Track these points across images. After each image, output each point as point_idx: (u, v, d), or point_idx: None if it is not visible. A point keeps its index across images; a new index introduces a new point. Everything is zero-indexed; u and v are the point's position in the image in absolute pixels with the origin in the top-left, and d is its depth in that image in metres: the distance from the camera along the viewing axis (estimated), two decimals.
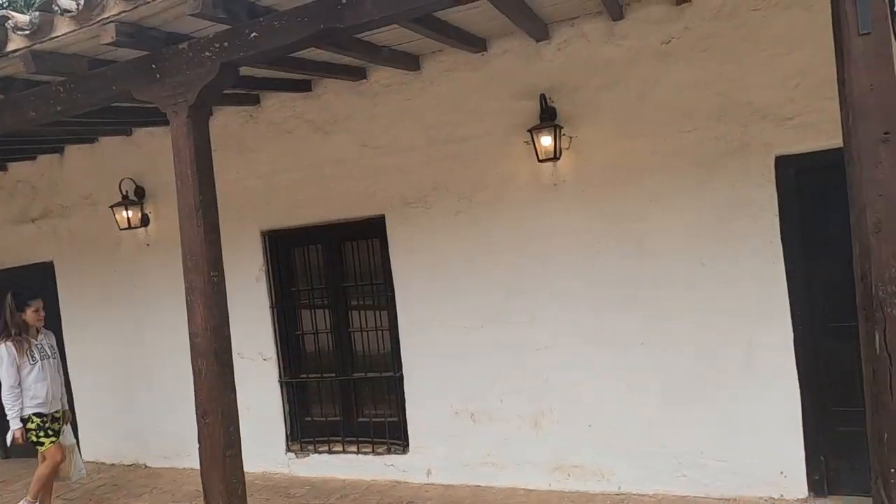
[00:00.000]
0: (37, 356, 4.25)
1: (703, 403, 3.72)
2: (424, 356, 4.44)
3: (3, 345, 4.14)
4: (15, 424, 4.10)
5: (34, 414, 4.16)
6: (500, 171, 4.12)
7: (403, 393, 4.53)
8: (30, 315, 4.26)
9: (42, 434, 4.18)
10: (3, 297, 4.24)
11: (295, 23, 2.68)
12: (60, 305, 5.82)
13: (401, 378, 4.54)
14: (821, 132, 3.37)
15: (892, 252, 1.90)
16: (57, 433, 4.28)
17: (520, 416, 4.18)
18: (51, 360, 4.35)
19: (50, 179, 5.79)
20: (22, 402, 4.12)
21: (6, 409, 4.14)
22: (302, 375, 4.98)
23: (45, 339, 4.41)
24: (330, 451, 4.81)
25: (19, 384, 4.13)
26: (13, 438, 4.10)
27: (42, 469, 4.22)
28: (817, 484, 3.54)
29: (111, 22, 2.67)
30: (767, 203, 3.54)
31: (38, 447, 4.21)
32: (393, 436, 4.64)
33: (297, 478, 4.85)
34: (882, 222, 1.91)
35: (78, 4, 2.65)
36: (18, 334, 4.19)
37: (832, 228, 3.41)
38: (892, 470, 1.92)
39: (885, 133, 1.90)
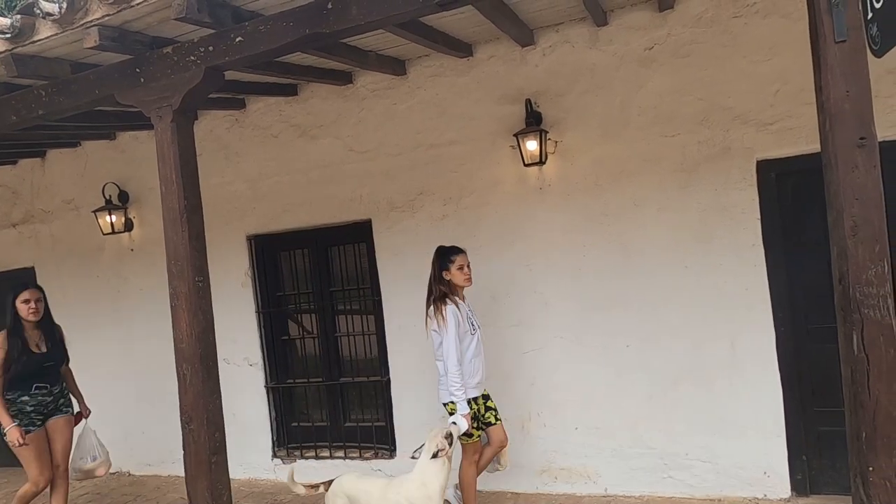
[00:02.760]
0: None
1: (688, 405, 3.75)
2: (412, 360, 4.43)
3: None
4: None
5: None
6: (486, 175, 4.14)
7: (391, 397, 4.53)
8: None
9: None
10: None
11: (280, 27, 2.68)
12: None
13: (388, 382, 4.53)
14: (800, 137, 3.44)
15: (869, 254, 1.94)
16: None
17: (507, 419, 4.17)
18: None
19: (32, 184, 5.72)
20: None
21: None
22: (288, 381, 4.95)
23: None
24: (317, 457, 4.78)
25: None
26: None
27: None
28: (800, 484, 3.59)
29: (94, 26, 2.65)
30: (749, 206, 3.59)
31: None
32: (380, 441, 4.63)
33: (283, 484, 4.81)
34: (858, 225, 1.94)
35: (60, 8, 2.63)
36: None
37: (812, 231, 3.47)
38: (871, 468, 1.96)
39: (861, 138, 1.94)
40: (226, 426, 3.04)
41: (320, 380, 4.83)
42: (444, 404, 3.41)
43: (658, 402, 3.82)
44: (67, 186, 5.54)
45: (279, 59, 3.43)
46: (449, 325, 3.31)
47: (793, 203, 3.57)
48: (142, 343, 5.25)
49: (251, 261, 4.91)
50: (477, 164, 4.16)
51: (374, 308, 4.59)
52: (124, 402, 5.39)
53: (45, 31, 2.72)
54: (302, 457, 4.82)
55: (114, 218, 5.14)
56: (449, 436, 3.14)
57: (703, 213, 3.68)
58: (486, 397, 3.55)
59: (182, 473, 3.00)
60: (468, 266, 3.47)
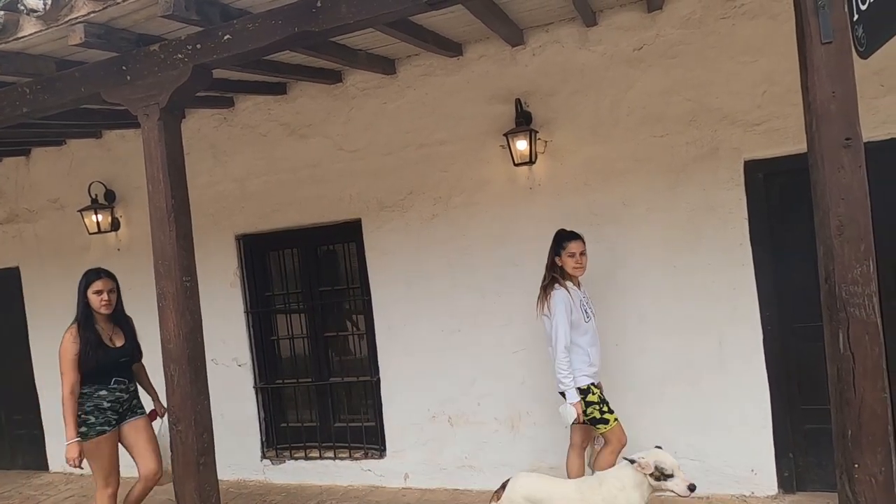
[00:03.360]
0: None
1: (676, 404, 3.78)
2: (401, 360, 4.43)
3: None
4: None
5: None
6: (476, 174, 4.14)
7: (380, 397, 4.51)
8: None
9: None
10: None
11: (269, 25, 2.67)
12: (27, 312, 5.67)
13: (378, 382, 4.52)
14: (787, 137, 3.47)
15: (855, 254, 1.96)
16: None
17: (497, 418, 4.20)
18: None
19: (16, 182, 5.64)
20: None
21: None
22: (277, 381, 4.93)
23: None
24: (306, 457, 4.76)
25: None
26: None
27: None
28: (786, 481, 3.62)
29: (80, 22, 2.62)
30: (737, 206, 3.62)
31: None
32: (370, 440, 4.62)
33: (273, 485, 4.79)
34: (844, 225, 1.96)
35: (45, 4, 2.59)
36: None
37: (799, 231, 3.50)
38: (856, 465, 1.98)
39: (847, 139, 1.96)
40: (214, 427, 3.02)
41: (310, 380, 4.81)
42: (561, 393, 3.25)
43: (646, 400, 3.83)
44: (53, 185, 5.47)
45: (268, 58, 3.41)
46: (556, 311, 3.20)
47: (780, 203, 3.61)
48: None
49: (240, 260, 4.88)
50: (467, 163, 4.16)
51: (363, 308, 4.58)
52: None
53: (29, 27, 2.69)
54: (292, 457, 4.80)
55: (100, 217, 5.08)
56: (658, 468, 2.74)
57: (692, 213, 3.70)
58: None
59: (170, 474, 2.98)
60: (581, 254, 3.34)
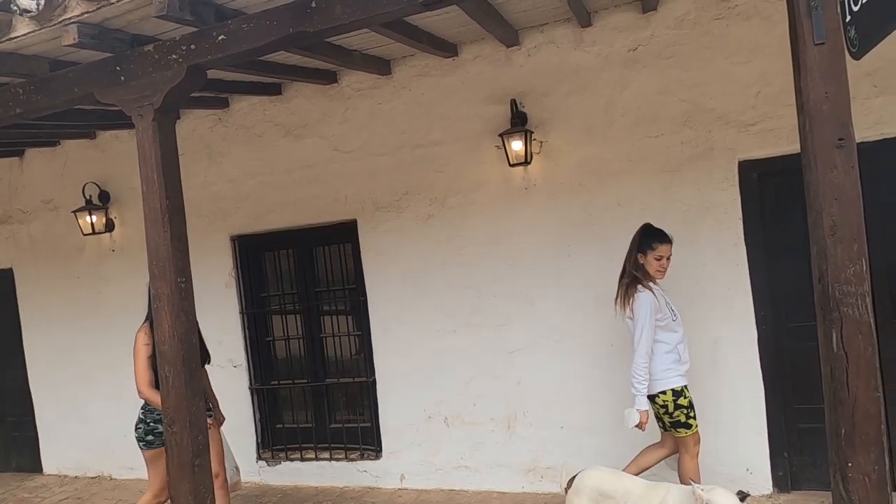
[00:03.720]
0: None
1: None
2: (397, 361, 4.42)
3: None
4: None
5: None
6: (471, 175, 4.15)
7: (376, 398, 4.51)
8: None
9: None
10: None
11: (264, 26, 2.66)
12: (21, 314, 5.64)
13: (373, 383, 4.52)
14: (781, 138, 3.48)
15: (848, 254, 1.97)
16: None
17: (493, 419, 4.20)
18: None
19: (9, 183, 5.61)
20: None
21: None
22: (273, 382, 4.92)
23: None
24: (302, 459, 4.75)
25: None
26: None
27: None
28: (781, 480, 3.64)
29: (73, 23, 2.60)
30: (731, 206, 3.63)
31: None
32: (366, 441, 4.61)
33: (268, 486, 4.78)
34: (837, 225, 1.97)
35: (38, 4, 2.58)
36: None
37: (793, 230, 3.52)
38: (850, 464, 1.99)
39: (840, 139, 1.96)
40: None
41: (305, 381, 4.80)
42: (651, 398, 3.09)
43: None
44: (46, 186, 5.44)
45: (263, 58, 3.39)
46: (640, 314, 3.01)
47: (774, 203, 3.62)
48: (123, 345, 5.16)
49: (235, 261, 4.86)
50: (462, 164, 4.16)
51: (359, 308, 4.57)
52: (106, 405, 5.31)
53: (22, 27, 2.67)
54: (287, 458, 4.79)
55: (94, 218, 5.06)
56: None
57: (687, 213, 3.71)
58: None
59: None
60: (668, 259, 3.15)
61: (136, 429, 3.44)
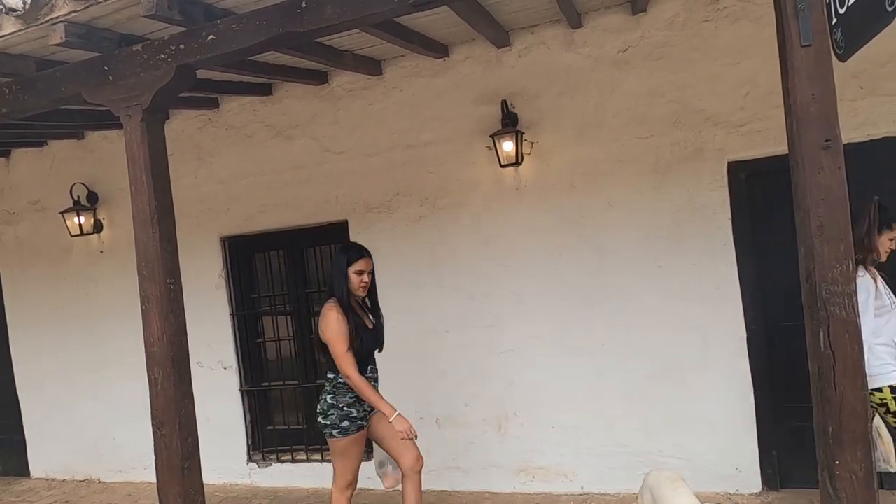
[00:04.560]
0: None
1: (662, 403, 3.80)
2: (389, 361, 4.40)
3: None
4: None
5: None
6: (462, 176, 4.15)
7: None
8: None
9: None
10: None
11: (253, 26, 2.65)
12: (7, 315, 5.58)
13: None
14: (769, 139, 3.51)
15: (835, 253, 1.98)
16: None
17: (484, 419, 4.20)
18: None
19: None
20: None
21: None
22: (263, 384, 4.89)
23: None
24: (293, 461, 4.73)
25: None
26: None
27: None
28: (770, 478, 3.67)
29: (60, 22, 2.58)
30: (720, 206, 3.66)
31: None
32: None
33: (259, 488, 4.76)
34: (824, 225, 1.99)
35: (24, 3, 2.55)
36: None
37: (781, 231, 3.53)
38: (837, 462, 2.00)
39: (826, 140, 1.98)
40: (199, 431, 2.98)
41: (296, 382, 4.78)
42: (874, 391, 2.80)
43: (632, 400, 3.86)
44: (33, 187, 5.39)
45: (253, 58, 3.39)
46: (858, 298, 2.73)
47: (762, 203, 3.65)
48: (112, 347, 5.13)
49: (225, 262, 4.84)
50: (453, 164, 4.16)
51: None
52: (94, 407, 5.27)
53: (8, 26, 2.65)
54: (278, 461, 4.77)
55: (82, 219, 5.02)
56: None
57: (676, 214, 3.73)
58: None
59: (154, 480, 2.94)
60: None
61: (327, 415, 3.07)
